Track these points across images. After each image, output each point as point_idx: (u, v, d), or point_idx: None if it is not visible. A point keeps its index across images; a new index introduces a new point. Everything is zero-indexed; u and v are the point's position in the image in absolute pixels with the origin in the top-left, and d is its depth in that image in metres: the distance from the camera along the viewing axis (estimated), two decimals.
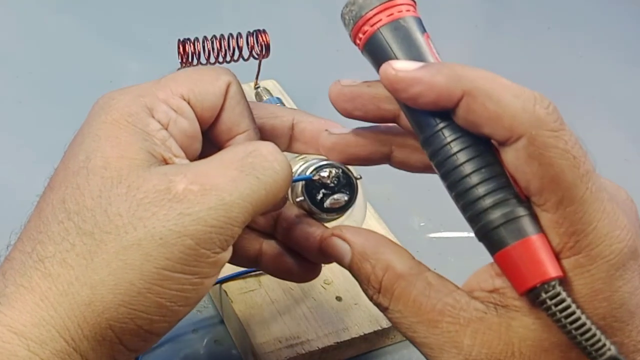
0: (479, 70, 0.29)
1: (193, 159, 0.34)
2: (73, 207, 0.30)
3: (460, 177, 0.30)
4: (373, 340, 0.49)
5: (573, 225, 0.29)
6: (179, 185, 0.30)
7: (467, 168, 0.30)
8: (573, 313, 0.28)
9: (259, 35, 0.60)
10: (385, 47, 0.32)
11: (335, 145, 0.36)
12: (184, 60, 0.57)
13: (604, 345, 0.28)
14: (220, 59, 0.59)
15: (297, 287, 0.50)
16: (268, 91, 0.64)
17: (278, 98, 0.64)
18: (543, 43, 0.82)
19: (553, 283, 0.29)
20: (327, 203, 0.36)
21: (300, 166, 0.38)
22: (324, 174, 0.36)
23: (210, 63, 0.58)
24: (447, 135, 0.30)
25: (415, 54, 0.32)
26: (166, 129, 0.32)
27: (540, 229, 0.29)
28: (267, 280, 0.50)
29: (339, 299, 0.50)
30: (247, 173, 0.31)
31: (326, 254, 0.35)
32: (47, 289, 0.29)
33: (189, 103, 0.33)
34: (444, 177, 0.31)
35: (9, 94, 0.67)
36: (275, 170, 0.32)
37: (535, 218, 0.29)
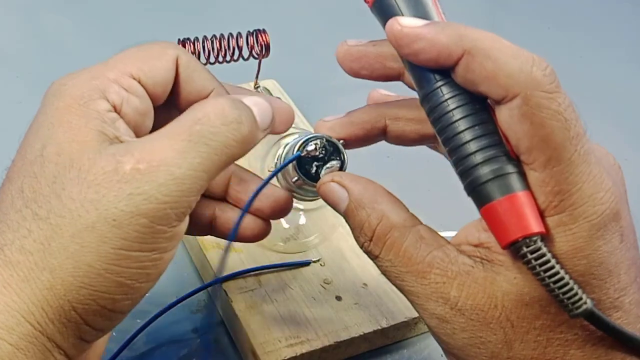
0: (480, 31, 0.30)
1: (145, 135, 0.34)
2: (30, 195, 0.30)
3: (454, 133, 0.31)
4: (373, 340, 0.49)
5: (559, 184, 0.30)
6: (126, 166, 0.30)
7: (462, 125, 0.31)
8: (552, 267, 0.30)
9: (259, 35, 0.60)
10: (392, 4, 0.33)
11: (331, 130, 0.37)
12: None
13: (581, 299, 0.30)
14: (220, 59, 0.59)
15: (297, 287, 0.50)
16: (268, 91, 0.64)
17: (278, 98, 0.63)
18: (543, 43, 0.82)
19: (535, 238, 0.30)
20: (323, 173, 0.36)
21: (284, 148, 0.39)
22: (311, 147, 0.37)
23: (210, 63, 0.58)
24: (446, 92, 0.31)
25: (421, 12, 0.33)
26: (118, 110, 0.33)
27: (527, 186, 0.30)
28: (267, 280, 0.50)
29: (339, 298, 0.50)
30: (195, 142, 0.31)
31: (324, 199, 0.36)
32: (9, 276, 0.30)
33: (139, 81, 0.34)
34: (440, 132, 0.32)
35: (9, 94, 0.67)
36: (225, 135, 0.31)
37: (523, 177, 0.31)
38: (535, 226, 0.30)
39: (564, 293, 0.30)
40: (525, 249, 0.30)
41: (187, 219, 0.32)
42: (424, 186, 0.58)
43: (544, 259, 0.30)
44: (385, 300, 0.50)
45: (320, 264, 0.52)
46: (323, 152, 0.37)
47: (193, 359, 0.48)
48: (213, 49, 0.58)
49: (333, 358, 0.48)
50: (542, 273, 0.30)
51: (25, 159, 0.32)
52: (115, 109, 0.33)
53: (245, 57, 0.60)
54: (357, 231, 0.34)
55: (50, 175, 0.30)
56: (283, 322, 0.47)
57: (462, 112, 0.31)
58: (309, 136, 0.37)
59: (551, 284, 0.30)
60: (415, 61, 0.31)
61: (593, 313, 0.30)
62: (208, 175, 0.31)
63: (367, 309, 0.49)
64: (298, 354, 0.46)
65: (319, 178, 0.36)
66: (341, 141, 0.37)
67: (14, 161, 0.33)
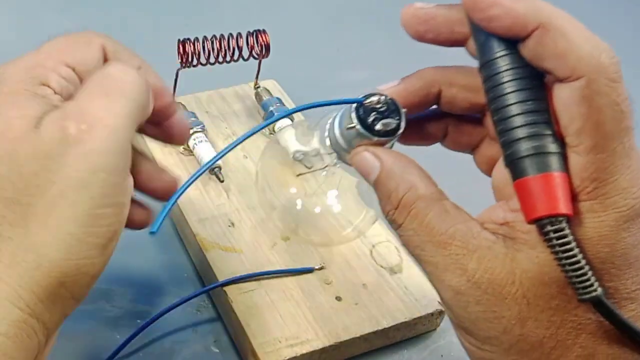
0: (557, 9, 0.31)
1: None
2: None
3: (506, 103, 0.32)
4: (373, 340, 0.49)
5: (597, 172, 0.30)
6: (71, 130, 0.31)
7: (515, 97, 0.32)
8: (571, 250, 0.30)
9: (259, 35, 0.60)
10: None
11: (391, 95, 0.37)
12: (184, 60, 0.57)
13: (592, 285, 0.30)
14: (220, 59, 0.59)
15: (297, 287, 0.50)
16: (268, 91, 0.64)
17: (278, 98, 0.64)
18: None
19: (560, 219, 0.30)
20: (379, 126, 0.36)
21: (339, 113, 0.38)
22: (374, 99, 0.37)
23: (210, 63, 0.58)
24: (506, 62, 0.32)
25: None
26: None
27: (565, 169, 0.31)
28: (267, 280, 0.50)
29: (338, 299, 0.50)
30: (112, 95, 0.33)
31: (357, 167, 0.36)
32: None
33: (73, 70, 0.35)
34: (492, 101, 0.33)
35: None
36: (131, 85, 0.34)
37: (564, 159, 0.31)
38: (563, 207, 0.30)
39: (577, 276, 0.30)
40: (549, 227, 0.30)
41: (130, 174, 0.34)
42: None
43: (565, 240, 0.30)
44: (385, 301, 0.50)
45: (321, 264, 0.52)
46: (384, 107, 0.37)
47: (193, 359, 0.48)
48: (213, 49, 0.58)
49: (333, 358, 0.48)
50: (560, 253, 0.30)
51: None
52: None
53: (245, 57, 0.60)
54: (384, 200, 0.35)
55: (4, 155, 0.31)
56: (283, 323, 0.47)
57: (517, 85, 0.32)
58: (374, 92, 0.37)
59: (567, 265, 0.30)
60: (487, 27, 0.32)
61: (601, 301, 0.30)
62: (132, 121, 0.33)
63: (367, 309, 0.49)
64: (298, 354, 0.46)
65: (374, 130, 0.36)
66: (404, 109, 0.37)
67: None
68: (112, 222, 0.32)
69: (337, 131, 0.38)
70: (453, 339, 0.52)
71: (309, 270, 0.49)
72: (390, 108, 0.37)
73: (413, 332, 0.51)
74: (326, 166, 0.43)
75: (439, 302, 0.50)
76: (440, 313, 0.50)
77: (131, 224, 0.38)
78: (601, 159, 0.30)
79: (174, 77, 0.59)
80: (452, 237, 0.33)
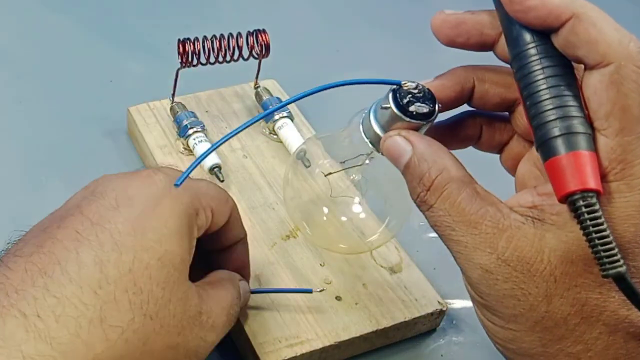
0: (587, 2, 0.33)
1: None
2: (142, 297, 0.34)
3: (538, 89, 0.33)
4: (373, 340, 0.49)
5: (624, 154, 0.32)
6: (204, 317, 0.38)
7: (547, 82, 0.33)
8: (601, 224, 0.31)
9: (259, 35, 0.60)
10: None
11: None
12: (184, 60, 0.57)
13: (618, 261, 0.31)
14: (220, 59, 0.59)
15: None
16: (268, 91, 0.64)
17: (278, 98, 0.64)
18: None
19: (591, 194, 0.31)
20: (413, 107, 0.37)
21: (374, 103, 0.39)
22: (411, 84, 0.38)
23: (210, 63, 0.58)
24: (539, 52, 0.34)
25: None
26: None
27: (594, 150, 0.32)
28: (267, 280, 0.50)
29: (338, 298, 0.50)
30: (230, 319, 0.41)
31: (387, 151, 0.38)
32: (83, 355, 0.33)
33: (212, 218, 0.40)
34: (524, 88, 0.34)
35: (9, 94, 0.67)
36: (233, 316, 0.42)
37: (593, 140, 0.32)
38: (593, 183, 0.31)
39: (605, 251, 0.31)
40: (581, 202, 0.31)
41: None
42: None
43: (595, 214, 0.31)
44: (386, 300, 0.50)
45: (320, 264, 0.52)
46: (420, 94, 0.37)
47: None
48: (213, 49, 0.58)
49: (333, 358, 0.48)
50: (590, 227, 0.31)
51: (140, 241, 0.35)
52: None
53: (245, 57, 0.60)
54: (415, 182, 0.36)
55: (161, 281, 0.35)
56: (283, 322, 0.47)
57: (549, 72, 0.33)
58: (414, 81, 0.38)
59: (596, 240, 0.31)
60: (523, 18, 0.33)
61: (624, 277, 0.31)
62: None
63: (367, 309, 0.49)
64: (298, 354, 0.46)
65: (407, 111, 0.37)
66: (439, 104, 0.38)
67: (120, 231, 0.36)
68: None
69: (372, 117, 0.39)
70: (453, 339, 0.52)
71: (308, 291, 0.48)
72: (427, 96, 0.37)
73: (413, 331, 0.51)
74: (358, 164, 0.44)
75: (439, 302, 0.50)
76: (440, 313, 0.50)
77: None
78: (628, 142, 0.32)
79: (174, 77, 0.59)
80: (482, 217, 0.34)
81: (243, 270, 0.45)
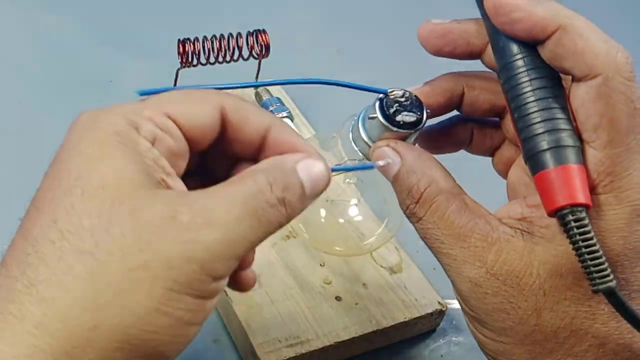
0: (574, 12, 0.33)
1: (178, 176, 0.34)
2: (67, 227, 0.29)
3: (526, 101, 0.33)
4: (373, 340, 0.49)
5: (612, 166, 0.31)
6: (185, 216, 0.30)
7: (535, 95, 0.33)
8: (590, 239, 0.31)
9: (259, 35, 0.60)
10: None
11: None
12: (184, 60, 0.57)
13: (608, 275, 0.31)
14: (220, 59, 0.59)
15: (297, 287, 0.50)
16: (268, 91, 0.64)
17: (278, 98, 0.64)
18: None
19: (580, 209, 0.31)
20: (400, 117, 0.37)
21: (363, 110, 0.39)
22: (398, 92, 0.37)
23: (210, 63, 0.58)
24: (526, 63, 0.33)
25: None
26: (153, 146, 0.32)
27: (583, 162, 0.32)
28: (267, 280, 0.50)
29: (338, 299, 0.50)
30: (250, 214, 0.31)
31: (375, 163, 0.37)
32: (42, 315, 0.28)
33: (175, 122, 0.33)
34: (512, 100, 0.34)
35: (9, 94, 0.67)
36: (275, 214, 0.32)
37: (581, 153, 0.32)
38: (582, 197, 0.31)
39: (595, 266, 0.31)
40: (570, 217, 0.31)
41: (227, 279, 0.32)
42: None
43: (585, 229, 0.31)
44: (385, 301, 0.50)
45: (320, 265, 0.52)
46: (408, 102, 0.37)
47: (193, 358, 0.48)
48: (213, 49, 0.58)
49: (333, 358, 0.48)
50: (579, 242, 0.31)
51: (57, 189, 0.30)
52: None
53: (245, 57, 0.60)
54: (404, 194, 0.36)
55: (93, 209, 0.29)
56: (283, 322, 0.47)
57: (537, 84, 0.33)
58: (402, 88, 0.38)
59: (585, 255, 0.31)
60: (509, 30, 0.33)
61: (614, 292, 0.31)
62: (252, 246, 0.32)
63: (367, 309, 0.49)
64: (298, 354, 0.46)
65: (395, 120, 0.37)
66: (427, 111, 0.37)
67: (41, 190, 0.31)
68: (191, 309, 0.30)
69: (360, 127, 0.38)
70: (453, 339, 0.52)
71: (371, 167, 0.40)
72: (414, 104, 0.37)
73: (413, 332, 0.51)
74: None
75: (439, 302, 0.50)
76: (440, 313, 0.50)
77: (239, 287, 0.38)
78: (616, 154, 0.31)
79: (174, 77, 0.59)
80: (471, 230, 0.34)
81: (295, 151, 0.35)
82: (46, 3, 0.78)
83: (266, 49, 0.60)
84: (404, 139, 0.37)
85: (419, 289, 0.51)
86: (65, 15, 0.77)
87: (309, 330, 0.47)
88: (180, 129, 0.33)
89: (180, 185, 0.33)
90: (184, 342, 0.31)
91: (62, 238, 0.29)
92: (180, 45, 0.57)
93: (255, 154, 0.35)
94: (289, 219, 0.33)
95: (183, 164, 0.34)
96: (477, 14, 0.35)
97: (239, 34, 0.59)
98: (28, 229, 0.30)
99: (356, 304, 0.49)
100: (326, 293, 0.50)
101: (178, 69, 0.58)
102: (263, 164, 0.33)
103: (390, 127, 0.37)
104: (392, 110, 0.37)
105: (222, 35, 0.58)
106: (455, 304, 0.53)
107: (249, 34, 0.59)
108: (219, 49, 0.58)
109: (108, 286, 0.29)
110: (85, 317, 0.28)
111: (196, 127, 0.34)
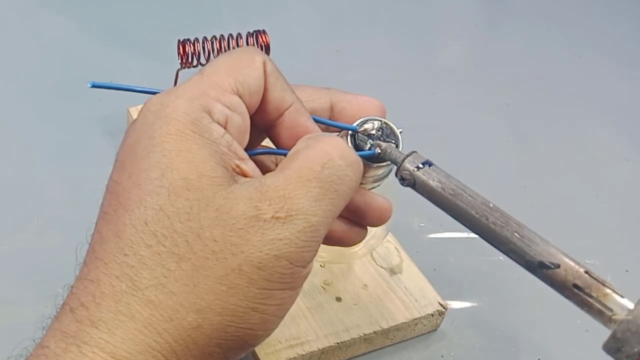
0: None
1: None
2: (161, 231, 0.30)
3: None
4: (373, 341, 0.49)
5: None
6: (267, 214, 0.31)
7: None
8: None
9: (259, 36, 0.60)
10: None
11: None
12: (184, 61, 0.57)
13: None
14: None
15: None
16: None
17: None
18: (543, 43, 0.82)
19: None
20: (377, 151, 0.36)
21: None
22: (368, 126, 0.37)
23: None
24: None
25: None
26: (225, 130, 0.33)
27: None
28: None
29: (338, 299, 0.50)
30: (327, 188, 0.32)
31: None
32: (150, 315, 0.30)
33: (239, 96, 0.34)
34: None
35: (9, 94, 0.67)
36: (350, 177, 0.33)
37: None
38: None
39: None
40: None
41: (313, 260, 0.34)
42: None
43: None
44: (385, 301, 0.50)
45: (321, 265, 0.52)
46: (380, 132, 0.37)
47: None
48: (213, 49, 0.58)
49: (333, 359, 0.48)
50: None
51: (142, 188, 0.31)
52: None
53: None
54: None
55: (182, 212, 0.30)
56: (283, 323, 0.47)
57: None
58: (366, 117, 0.37)
59: None
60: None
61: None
62: (333, 219, 0.33)
63: (367, 310, 0.49)
64: (298, 355, 0.46)
65: (374, 159, 0.37)
66: (400, 130, 0.37)
67: (124, 186, 0.31)
68: (284, 302, 0.32)
69: None
70: (453, 339, 0.52)
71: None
72: (386, 132, 0.37)
73: (413, 332, 0.51)
74: None
75: (439, 303, 0.50)
76: (440, 314, 0.50)
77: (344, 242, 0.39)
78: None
79: (174, 77, 0.59)
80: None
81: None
82: (46, 3, 0.78)
83: (266, 49, 0.60)
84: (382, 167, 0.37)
85: (419, 289, 0.51)
86: (66, 15, 0.77)
87: (309, 331, 0.47)
88: (243, 101, 0.34)
89: (252, 167, 0.33)
90: (271, 331, 0.33)
91: (158, 243, 0.30)
92: (180, 46, 0.57)
93: (268, 123, 0.36)
94: (357, 183, 0.34)
95: (247, 138, 0.35)
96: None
97: (239, 35, 0.59)
98: (119, 227, 0.31)
99: (356, 304, 0.49)
100: (326, 294, 0.50)
101: (178, 70, 0.58)
102: (312, 137, 0.34)
103: (368, 164, 0.36)
104: (367, 147, 0.36)
105: (222, 36, 0.58)
106: (455, 305, 0.53)
107: (249, 34, 0.59)
108: (219, 50, 0.58)
109: (208, 290, 0.30)
110: (189, 319, 0.30)
111: (253, 93, 0.34)
